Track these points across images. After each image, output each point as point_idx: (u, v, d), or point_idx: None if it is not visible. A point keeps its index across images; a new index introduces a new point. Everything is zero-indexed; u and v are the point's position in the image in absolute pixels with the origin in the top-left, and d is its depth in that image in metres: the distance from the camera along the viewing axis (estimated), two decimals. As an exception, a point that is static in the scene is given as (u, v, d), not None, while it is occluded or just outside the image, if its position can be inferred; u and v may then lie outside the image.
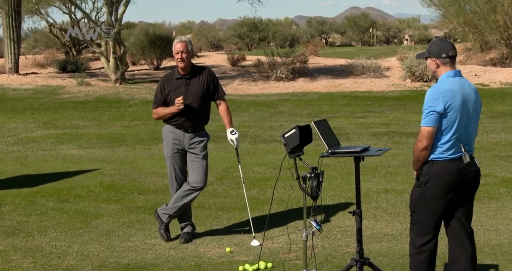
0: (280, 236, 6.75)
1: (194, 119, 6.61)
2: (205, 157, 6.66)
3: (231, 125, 6.74)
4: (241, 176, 7.00)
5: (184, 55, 6.55)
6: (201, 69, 6.79)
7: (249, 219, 6.83)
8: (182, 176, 6.73)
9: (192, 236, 6.73)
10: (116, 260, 6.10)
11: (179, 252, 6.31)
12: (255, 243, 6.48)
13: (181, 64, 6.60)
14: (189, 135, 6.62)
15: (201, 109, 6.64)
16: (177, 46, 6.60)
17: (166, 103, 6.65)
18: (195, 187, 6.59)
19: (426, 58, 4.75)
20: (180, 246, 6.51)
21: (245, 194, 7.03)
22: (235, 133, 6.69)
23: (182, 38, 6.72)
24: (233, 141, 6.69)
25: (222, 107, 6.77)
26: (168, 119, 6.68)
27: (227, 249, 6.33)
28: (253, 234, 6.62)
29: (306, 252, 5.13)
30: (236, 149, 6.82)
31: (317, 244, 6.30)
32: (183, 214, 6.76)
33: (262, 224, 6.96)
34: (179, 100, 6.46)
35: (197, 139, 6.64)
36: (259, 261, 5.79)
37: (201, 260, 6.07)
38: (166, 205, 6.79)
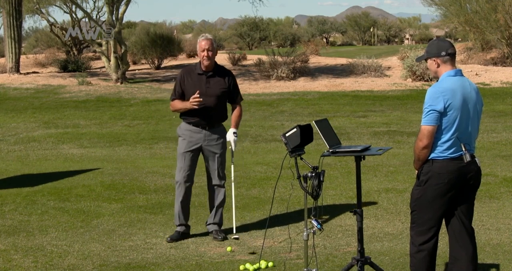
0: (281, 235, 6.75)
1: (211, 117, 6.61)
2: (222, 155, 6.70)
3: (236, 127, 6.74)
4: (232, 176, 6.91)
5: (210, 53, 6.56)
6: (223, 70, 6.79)
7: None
8: (189, 176, 6.69)
9: (181, 236, 6.68)
10: (117, 259, 6.10)
11: (180, 252, 6.31)
12: (234, 236, 6.57)
13: (206, 62, 6.59)
14: (206, 132, 6.62)
15: (218, 107, 6.64)
16: (202, 43, 6.59)
17: (183, 96, 6.65)
18: (218, 185, 6.68)
19: (426, 60, 4.76)
20: (180, 245, 6.51)
21: (233, 193, 6.92)
22: (236, 136, 6.69)
23: (207, 36, 6.70)
24: (231, 142, 6.67)
25: (236, 111, 6.81)
26: (184, 117, 6.68)
27: (228, 248, 6.33)
28: (234, 232, 6.67)
29: (307, 251, 5.12)
30: (232, 151, 6.79)
31: (318, 243, 6.30)
32: (183, 213, 6.75)
33: (263, 223, 6.96)
34: (194, 98, 6.45)
35: (215, 135, 6.66)
36: (260, 261, 5.79)
37: (202, 259, 6.07)
38: (213, 219, 6.78)
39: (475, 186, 4.74)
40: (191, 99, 6.47)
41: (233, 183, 6.98)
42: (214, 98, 6.59)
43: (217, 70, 6.71)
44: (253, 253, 6.17)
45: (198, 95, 6.47)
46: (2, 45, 36.97)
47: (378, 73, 25.90)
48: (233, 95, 6.76)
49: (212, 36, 6.78)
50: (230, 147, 6.75)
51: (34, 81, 25.46)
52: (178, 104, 6.66)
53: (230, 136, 6.67)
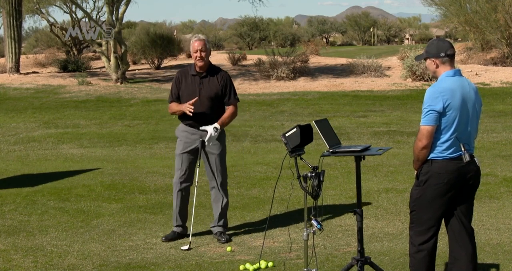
0: (281, 235, 6.75)
1: (207, 117, 6.55)
2: (221, 155, 6.64)
3: (222, 124, 6.55)
4: (196, 179, 6.71)
5: (203, 54, 6.52)
6: (217, 70, 6.72)
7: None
8: (186, 177, 6.69)
9: (177, 236, 6.68)
10: (117, 259, 6.10)
11: (179, 252, 6.31)
12: (184, 247, 6.37)
13: (200, 63, 6.55)
14: (203, 133, 6.59)
15: (213, 108, 6.58)
16: (195, 44, 6.55)
17: (180, 98, 6.64)
18: (218, 185, 6.64)
19: (425, 59, 4.76)
20: (180, 245, 6.51)
21: (194, 198, 6.78)
22: (217, 131, 6.49)
23: (200, 37, 6.65)
24: (207, 134, 6.46)
25: (228, 110, 6.68)
26: (182, 118, 6.66)
27: (228, 248, 6.33)
28: (190, 240, 6.46)
29: (307, 251, 5.13)
30: (204, 143, 6.53)
31: (318, 243, 6.30)
32: (180, 215, 6.74)
33: (263, 223, 6.97)
34: (190, 105, 6.40)
35: None
36: (260, 260, 5.80)
37: (202, 259, 6.07)
38: (218, 221, 6.72)
39: (475, 186, 4.75)
40: (187, 105, 6.43)
41: (196, 187, 6.78)
42: (208, 100, 6.55)
43: (211, 70, 6.65)
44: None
45: (193, 103, 6.39)
46: (2, 45, 36.96)
47: (378, 73, 25.91)
48: (227, 95, 6.64)
49: (205, 37, 6.72)
50: (205, 137, 6.49)
51: (34, 81, 25.47)
52: (175, 107, 6.63)
53: (209, 128, 6.49)
